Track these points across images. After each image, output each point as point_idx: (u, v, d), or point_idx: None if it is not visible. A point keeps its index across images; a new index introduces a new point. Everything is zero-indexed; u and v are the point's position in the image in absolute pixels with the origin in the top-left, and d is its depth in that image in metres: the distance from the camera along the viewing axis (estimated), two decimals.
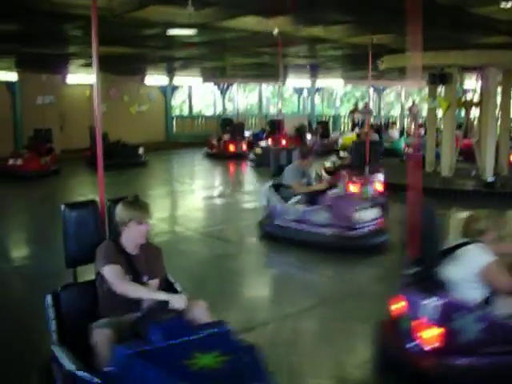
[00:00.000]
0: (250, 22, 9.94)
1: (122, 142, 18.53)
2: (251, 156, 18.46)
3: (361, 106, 29.50)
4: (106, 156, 16.31)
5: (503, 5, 8.32)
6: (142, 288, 3.70)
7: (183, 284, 4.20)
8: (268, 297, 6.78)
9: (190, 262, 7.86)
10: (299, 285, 6.75)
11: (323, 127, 24.25)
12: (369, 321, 4.93)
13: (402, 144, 20.18)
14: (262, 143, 18.96)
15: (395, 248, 7.23)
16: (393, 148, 20.13)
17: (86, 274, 4.27)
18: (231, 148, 19.97)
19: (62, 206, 4.27)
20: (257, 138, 21.25)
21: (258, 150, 18.27)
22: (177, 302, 3.53)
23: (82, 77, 21.05)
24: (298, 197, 8.32)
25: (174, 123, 26.32)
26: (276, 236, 8.40)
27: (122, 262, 3.78)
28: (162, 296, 3.58)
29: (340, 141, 21.58)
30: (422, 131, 22.33)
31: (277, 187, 8.66)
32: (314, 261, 7.66)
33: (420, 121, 24.39)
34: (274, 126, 20.97)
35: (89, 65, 17.55)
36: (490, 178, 12.21)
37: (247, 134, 22.61)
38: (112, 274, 3.68)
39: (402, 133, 22.52)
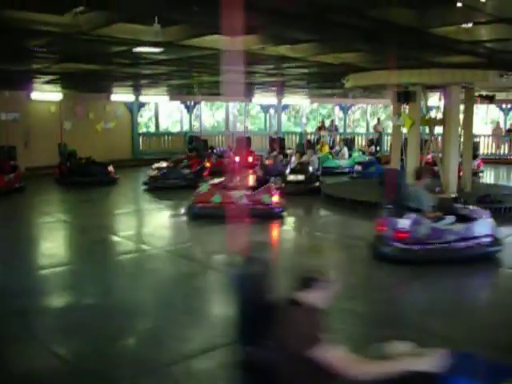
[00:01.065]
0: (215, 41, 10.00)
1: (91, 160, 18.40)
2: None
3: (327, 123, 29.88)
4: (76, 173, 16.35)
5: (464, 24, 8.55)
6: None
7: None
8: None
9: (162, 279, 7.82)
10: None
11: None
12: None
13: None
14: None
15: None
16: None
17: None
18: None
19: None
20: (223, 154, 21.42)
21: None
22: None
23: (46, 93, 20.86)
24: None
25: (141, 140, 26.16)
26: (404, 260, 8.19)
27: None
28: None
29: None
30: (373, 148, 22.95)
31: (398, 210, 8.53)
32: None
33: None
34: (241, 144, 21.16)
35: (53, 81, 17.42)
36: (453, 194, 12.40)
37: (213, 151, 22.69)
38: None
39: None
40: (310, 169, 15.96)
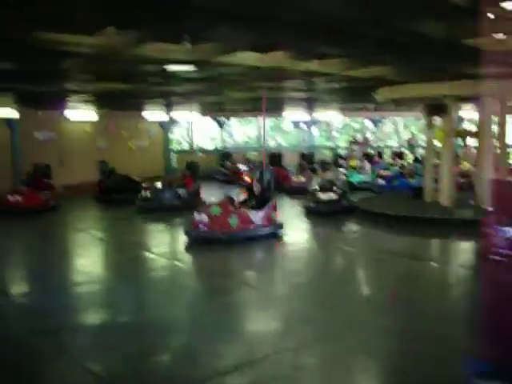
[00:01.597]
0: (246, 58, 10.07)
1: (129, 177, 18.45)
2: None
3: (359, 137, 29.74)
4: (115, 190, 16.32)
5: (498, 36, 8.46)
6: None
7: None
8: None
9: None
10: None
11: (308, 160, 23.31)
12: None
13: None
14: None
15: None
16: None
17: None
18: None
19: None
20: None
21: None
22: None
23: (80, 112, 21.19)
24: None
25: (174, 157, 26.38)
26: None
27: None
28: None
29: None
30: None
31: None
32: None
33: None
34: (274, 159, 21.18)
35: (87, 100, 17.70)
36: (488, 207, 12.17)
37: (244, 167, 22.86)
38: None
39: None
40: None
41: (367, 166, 21.14)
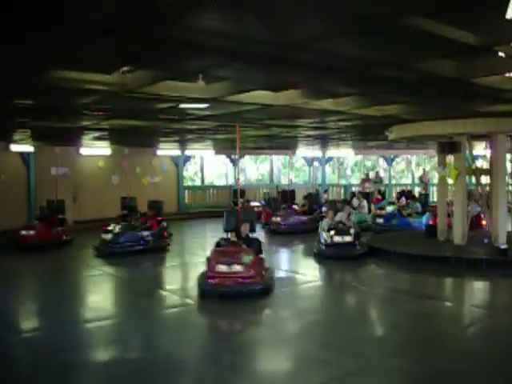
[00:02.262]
0: (260, 96, 10.18)
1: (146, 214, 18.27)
2: None
3: (372, 175, 29.75)
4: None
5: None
6: None
7: None
8: None
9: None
10: None
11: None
12: None
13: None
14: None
15: None
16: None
17: None
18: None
19: None
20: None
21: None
22: None
23: (95, 149, 21.44)
24: None
25: (186, 194, 26.51)
26: None
27: None
28: None
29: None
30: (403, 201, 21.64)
31: None
32: None
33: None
34: (286, 196, 21.17)
35: (101, 137, 17.89)
36: (502, 246, 12.08)
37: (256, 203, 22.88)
38: None
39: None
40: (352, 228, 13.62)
41: (365, 204, 20.31)
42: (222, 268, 9.44)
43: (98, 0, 4.60)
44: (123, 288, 11.28)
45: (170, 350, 7.04)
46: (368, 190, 24.33)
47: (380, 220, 18.31)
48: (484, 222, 17.35)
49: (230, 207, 20.04)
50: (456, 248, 13.12)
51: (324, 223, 14.17)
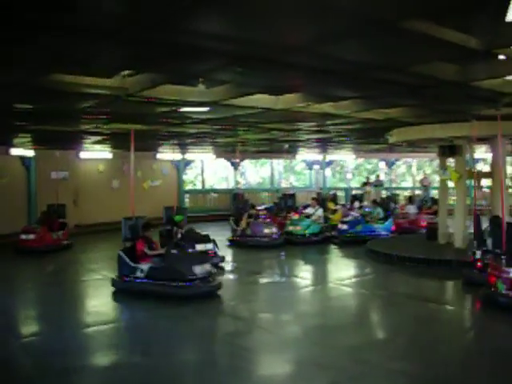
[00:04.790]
0: (260, 100, 10.18)
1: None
2: None
3: (372, 178, 29.77)
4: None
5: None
6: None
7: None
8: None
9: None
10: None
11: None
12: None
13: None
14: None
15: None
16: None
17: None
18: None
19: None
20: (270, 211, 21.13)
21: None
22: None
23: (95, 153, 21.43)
24: None
25: (187, 198, 26.48)
26: None
27: None
28: None
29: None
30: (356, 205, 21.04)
31: None
32: None
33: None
34: (286, 200, 21.03)
35: (102, 141, 17.88)
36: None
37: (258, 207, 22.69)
38: None
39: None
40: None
41: (320, 213, 18.13)
42: None
43: (98, 2, 4.58)
44: (122, 292, 11.23)
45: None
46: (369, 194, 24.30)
47: (344, 226, 17.15)
48: (424, 224, 17.96)
49: (232, 211, 19.66)
50: (457, 251, 13.09)
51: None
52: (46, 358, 6.87)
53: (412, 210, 19.49)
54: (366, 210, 18.98)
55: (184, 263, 9.89)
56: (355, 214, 17.94)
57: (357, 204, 20.11)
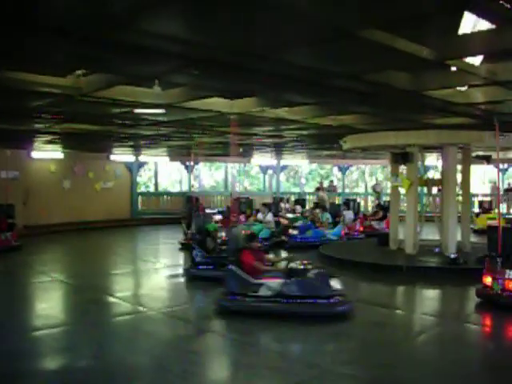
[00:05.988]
0: (216, 103, 10.17)
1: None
2: None
3: (326, 184, 30.05)
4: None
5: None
6: None
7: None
8: None
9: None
10: None
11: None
12: None
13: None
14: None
15: None
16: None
17: None
18: None
19: None
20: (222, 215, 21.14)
21: None
22: None
23: (47, 152, 21.00)
24: None
25: (140, 200, 26.21)
26: None
27: None
28: None
29: None
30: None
31: None
32: None
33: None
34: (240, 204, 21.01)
35: (54, 141, 17.58)
36: (452, 255, 12.33)
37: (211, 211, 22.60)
38: None
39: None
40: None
41: (270, 218, 18.25)
42: None
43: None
44: (73, 295, 11.05)
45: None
46: (322, 199, 24.48)
47: (294, 232, 17.13)
48: (361, 228, 18.99)
49: (184, 214, 19.59)
50: (407, 257, 13.31)
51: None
52: None
53: (349, 215, 19.50)
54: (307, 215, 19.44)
55: (323, 277, 8.66)
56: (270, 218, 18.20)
57: (298, 208, 20.44)
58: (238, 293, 8.70)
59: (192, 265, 12.00)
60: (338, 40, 5.69)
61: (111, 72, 7.82)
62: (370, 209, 25.88)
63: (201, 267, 11.79)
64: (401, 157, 13.68)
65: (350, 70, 7.25)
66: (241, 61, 6.64)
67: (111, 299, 10.30)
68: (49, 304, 9.97)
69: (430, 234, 15.69)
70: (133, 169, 25.53)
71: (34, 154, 20.82)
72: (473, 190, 19.01)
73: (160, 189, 29.85)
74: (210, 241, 12.41)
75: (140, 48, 5.93)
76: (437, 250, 13.56)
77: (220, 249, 12.24)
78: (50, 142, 18.21)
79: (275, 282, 8.61)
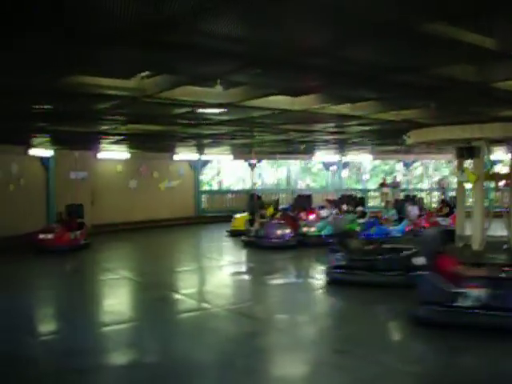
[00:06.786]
0: (277, 101, 10.19)
1: None
2: None
3: (389, 180, 29.63)
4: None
5: None
6: None
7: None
8: None
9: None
10: None
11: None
12: None
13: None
14: None
15: None
16: None
17: None
18: None
19: None
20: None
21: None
22: None
23: (113, 153, 21.53)
24: None
25: (204, 198, 26.50)
26: None
27: None
28: None
29: None
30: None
31: None
32: None
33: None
34: (302, 201, 20.93)
35: (120, 142, 18.00)
36: None
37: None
38: None
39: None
40: None
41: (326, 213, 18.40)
42: None
43: (111, 6, 4.61)
44: (139, 292, 11.32)
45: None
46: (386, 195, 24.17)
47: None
48: (426, 225, 18.07)
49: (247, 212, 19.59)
50: (474, 253, 13.00)
51: None
52: (63, 356, 6.91)
53: (413, 211, 19.13)
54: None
55: None
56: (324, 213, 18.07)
57: (344, 207, 20.13)
58: (433, 302, 7.86)
59: (330, 268, 11.20)
60: (397, 34, 5.62)
61: (174, 73, 7.96)
62: (433, 205, 25.35)
63: (341, 270, 10.95)
64: (466, 151, 13.35)
65: (412, 64, 7.14)
66: (302, 59, 6.64)
67: (177, 296, 10.50)
68: (117, 301, 10.25)
69: (499, 229, 15.26)
70: (196, 167, 25.82)
71: (101, 155, 21.36)
72: None
73: (224, 187, 30.10)
74: (354, 242, 11.73)
75: (202, 49, 6.01)
76: (505, 246, 13.19)
77: (364, 250, 11.42)
78: (116, 143, 18.66)
79: (476, 291, 7.66)
